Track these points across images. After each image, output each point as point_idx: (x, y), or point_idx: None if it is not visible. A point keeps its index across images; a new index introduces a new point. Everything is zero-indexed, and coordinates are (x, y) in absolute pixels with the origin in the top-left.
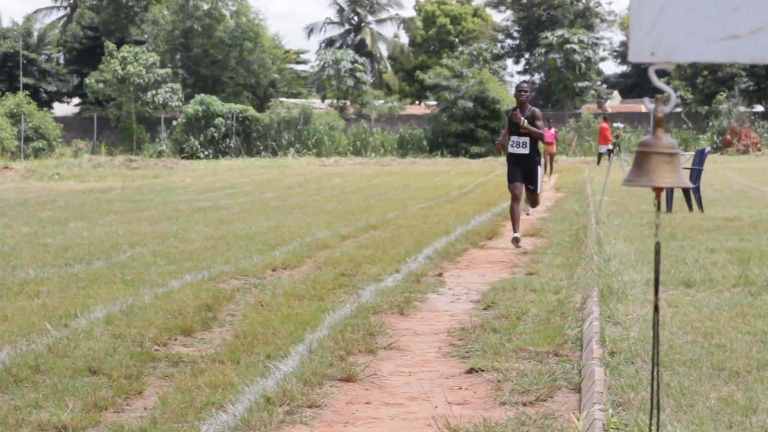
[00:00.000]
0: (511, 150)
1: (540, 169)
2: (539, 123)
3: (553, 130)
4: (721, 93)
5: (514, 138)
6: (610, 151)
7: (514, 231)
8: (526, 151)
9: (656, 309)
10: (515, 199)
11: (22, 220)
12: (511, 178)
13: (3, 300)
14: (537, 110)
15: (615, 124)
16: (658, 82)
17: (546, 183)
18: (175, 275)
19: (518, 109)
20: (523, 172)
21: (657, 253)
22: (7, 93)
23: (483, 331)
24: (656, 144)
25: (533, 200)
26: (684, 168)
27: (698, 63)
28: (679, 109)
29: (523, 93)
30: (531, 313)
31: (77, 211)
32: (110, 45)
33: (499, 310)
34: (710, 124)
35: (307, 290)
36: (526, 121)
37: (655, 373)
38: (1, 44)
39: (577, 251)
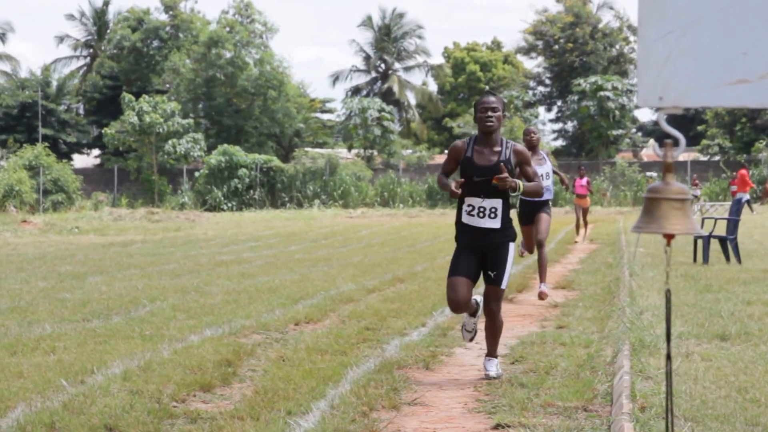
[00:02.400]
0: (467, 221)
1: (513, 246)
2: (530, 170)
3: (585, 179)
4: (761, 141)
5: (475, 201)
6: (747, 201)
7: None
8: (497, 224)
9: (668, 358)
10: (455, 304)
11: (40, 275)
12: (456, 268)
13: (18, 356)
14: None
15: (649, 174)
16: (667, 127)
17: (579, 242)
18: (194, 330)
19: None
20: (482, 257)
21: (668, 300)
22: (25, 144)
23: (510, 386)
24: (666, 190)
25: (492, 296)
26: (721, 218)
27: (709, 107)
28: (717, 158)
29: (533, 135)
30: (560, 367)
31: (96, 265)
32: (127, 96)
33: (527, 364)
34: (750, 173)
35: (330, 345)
36: (519, 184)
37: (669, 424)
38: (20, 94)
39: (609, 304)
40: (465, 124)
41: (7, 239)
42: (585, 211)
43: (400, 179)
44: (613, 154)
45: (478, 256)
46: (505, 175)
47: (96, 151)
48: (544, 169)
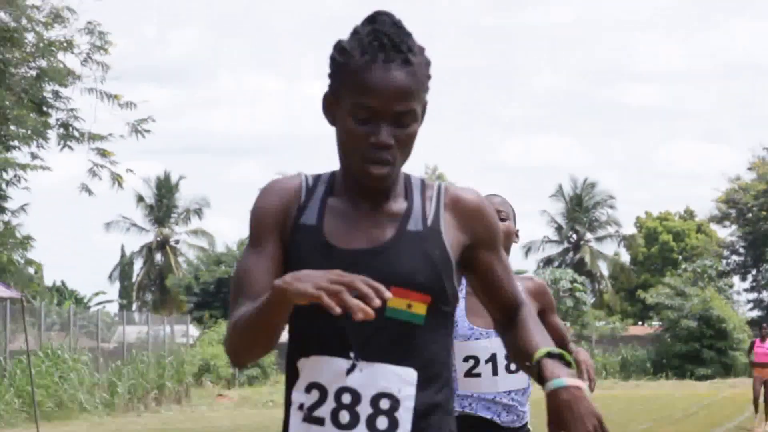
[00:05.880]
0: None
1: None
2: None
3: None
4: None
5: (324, 372)
6: None
7: None
8: None
9: None
10: None
11: None
12: None
13: None
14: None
15: None
16: None
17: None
18: None
19: None
20: None
21: None
22: (220, 320)
23: None
24: None
25: None
26: None
27: None
28: None
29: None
30: None
31: None
32: None
33: None
34: None
35: None
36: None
37: None
38: (216, 270)
39: None
40: (657, 295)
41: (203, 413)
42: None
43: (594, 351)
44: None
45: None
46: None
47: None
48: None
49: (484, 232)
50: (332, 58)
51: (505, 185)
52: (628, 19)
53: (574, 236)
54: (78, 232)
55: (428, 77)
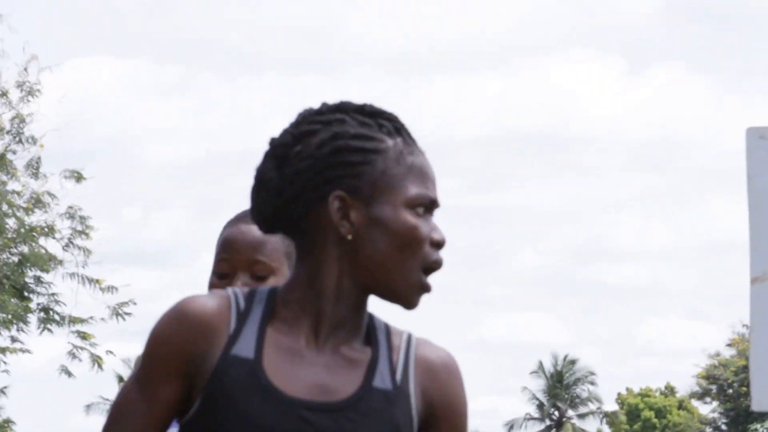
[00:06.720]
0: None
1: None
2: None
3: None
4: None
5: None
6: None
7: None
8: None
9: None
10: None
11: None
12: None
13: None
14: None
15: None
16: None
17: None
18: None
19: None
20: None
21: None
22: None
23: None
24: None
25: None
26: None
27: None
28: None
29: None
30: None
31: None
32: None
33: None
34: None
35: None
36: None
37: None
38: None
39: None
40: None
41: None
42: None
43: None
44: None
45: None
46: None
47: None
48: None
49: (449, 407)
50: (348, 148)
51: (485, 362)
52: (608, 198)
53: (556, 413)
54: (58, 414)
55: None
